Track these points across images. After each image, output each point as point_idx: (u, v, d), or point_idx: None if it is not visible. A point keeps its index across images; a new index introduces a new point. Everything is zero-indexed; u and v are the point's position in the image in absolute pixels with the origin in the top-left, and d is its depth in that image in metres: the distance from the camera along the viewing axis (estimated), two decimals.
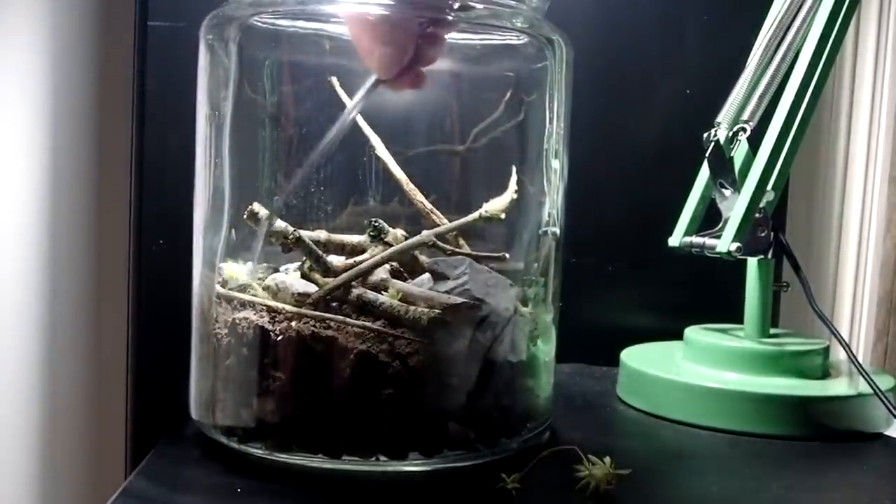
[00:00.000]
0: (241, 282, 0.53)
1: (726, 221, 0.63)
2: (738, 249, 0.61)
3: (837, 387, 0.62)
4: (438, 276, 0.54)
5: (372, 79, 0.50)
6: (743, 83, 0.65)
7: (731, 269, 0.68)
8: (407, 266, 0.56)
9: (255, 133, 0.55)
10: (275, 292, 0.51)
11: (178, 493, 0.47)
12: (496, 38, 0.55)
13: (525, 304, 0.56)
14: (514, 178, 0.56)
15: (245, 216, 0.52)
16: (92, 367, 0.79)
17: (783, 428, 0.59)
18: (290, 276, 0.53)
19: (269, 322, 0.50)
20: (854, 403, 0.60)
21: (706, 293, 0.80)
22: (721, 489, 0.49)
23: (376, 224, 0.55)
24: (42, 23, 0.75)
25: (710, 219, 0.67)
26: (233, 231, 0.55)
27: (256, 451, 0.50)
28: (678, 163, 0.70)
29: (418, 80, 0.51)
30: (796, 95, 0.62)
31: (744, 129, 0.64)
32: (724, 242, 0.62)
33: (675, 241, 0.67)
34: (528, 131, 0.57)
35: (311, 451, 0.48)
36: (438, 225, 0.56)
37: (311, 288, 0.51)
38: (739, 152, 0.66)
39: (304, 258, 0.53)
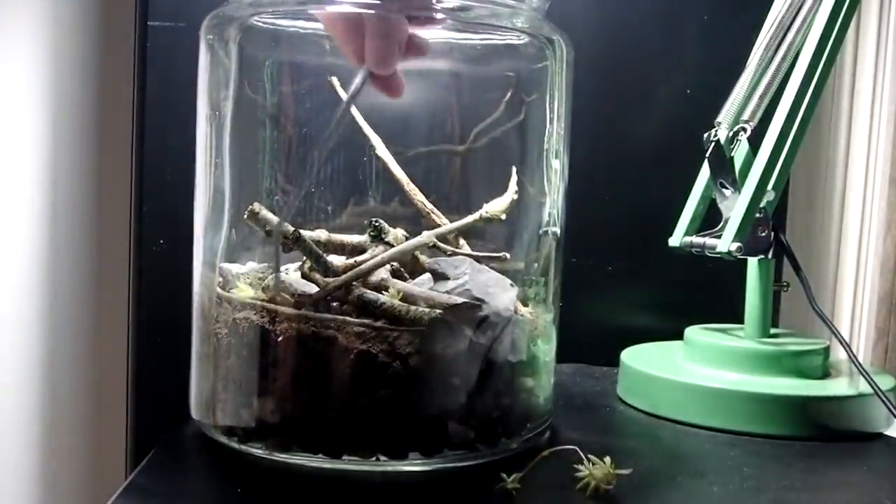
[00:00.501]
0: (250, 295, 0.53)
1: (726, 221, 0.63)
2: (739, 249, 0.61)
3: (837, 387, 0.62)
4: (439, 276, 0.54)
5: (361, 75, 0.49)
6: (743, 83, 0.65)
7: (731, 269, 0.68)
8: (407, 266, 0.56)
9: (255, 133, 0.55)
10: (275, 292, 0.51)
11: (179, 493, 0.47)
12: (496, 38, 0.55)
13: (525, 304, 0.56)
14: (514, 178, 0.56)
15: (245, 216, 0.52)
16: (92, 367, 0.79)
17: (783, 428, 0.59)
18: (291, 276, 0.53)
19: (269, 322, 0.50)
20: (854, 403, 0.60)
21: (706, 293, 0.80)
22: (721, 489, 0.49)
23: (376, 224, 0.55)
24: (42, 23, 0.75)
25: (710, 219, 0.67)
26: (233, 231, 0.55)
27: (256, 451, 0.50)
28: (678, 163, 0.70)
29: (399, 85, 0.50)
30: (796, 95, 0.62)
31: (744, 129, 0.64)
32: (725, 242, 0.62)
33: (675, 241, 0.67)
34: (528, 131, 0.57)
35: (311, 451, 0.48)
36: (439, 225, 0.57)
37: (312, 288, 0.51)
38: (739, 152, 0.66)
39: (305, 258, 0.53)
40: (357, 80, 0.49)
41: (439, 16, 0.51)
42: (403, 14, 0.49)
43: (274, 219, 0.52)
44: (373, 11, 0.48)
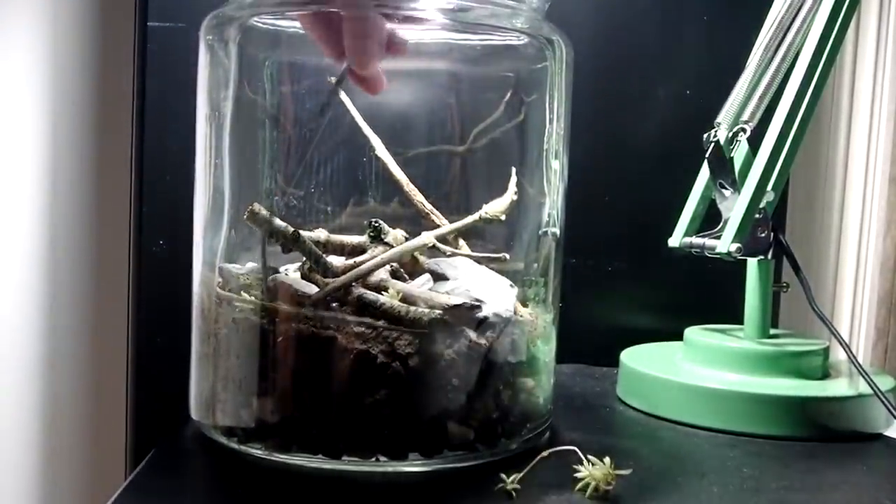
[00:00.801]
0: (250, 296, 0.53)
1: (726, 222, 0.63)
2: (738, 250, 0.61)
3: (837, 387, 0.62)
4: (438, 277, 0.54)
5: (343, 67, 0.49)
6: (743, 83, 0.65)
7: (731, 269, 0.68)
8: (407, 267, 0.56)
9: (255, 133, 0.55)
10: (275, 293, 0.51)
11: (178, 493, 0.47)
12: (496, 39, 0.55)
13: (525, 304, 0.56)
14: (513, 178, 0.56)
15: (245, 216, 0.52)
16: (92, 367, 0.79)
17: (783, 428, 0.59)
18: (291, 277, 0.53)
19: (269, 322, 0.50)
20: (854, 403, 0.60)
21: (706, 293, 0.80)
22: (721, 489, 0.49)
23: (376, 224, 0.55)
24: (42, 23, 0.75)
25: (710, 219, 0.67)
26: (233, 231, 0.55)
27: (256, 451, 0.50)
28: (678, 163, 0.70)
29: (378, 82, 0.50)
30: (796, 95, 0.62)
31: (744, 130, 0.64)
32: (724, 243, 0.62)
33: (675, 241, 0.67)
34: (528, 132, 0.57)
35: (311, 451, 0.48)
36: (438, 226, 0.57)
37: (312, 288, 0.51)
38: (739, 152, 0.66)
39: (304, 259, 0.53)
40: (340, 71, 0.49)
41: (417, 14, 0.51)
42: (380, 11, 0.48)
43: (274, 218, 0.52)
44: (354, 10, 0.48)
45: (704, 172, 0.68)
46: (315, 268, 0.52)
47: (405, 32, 0.50)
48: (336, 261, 0.54)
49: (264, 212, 0.52)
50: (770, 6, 0.68)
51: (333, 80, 0.54)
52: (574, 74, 0.57)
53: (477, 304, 0.50)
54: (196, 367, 0.55)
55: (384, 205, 0.57)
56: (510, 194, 0.56)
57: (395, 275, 0.55)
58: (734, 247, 0.61)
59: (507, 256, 0.56)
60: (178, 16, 0.71)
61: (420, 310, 0.49)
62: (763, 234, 0.64)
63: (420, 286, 0.54)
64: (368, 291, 0.51)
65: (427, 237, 0.55)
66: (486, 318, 0.50)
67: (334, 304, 0.51)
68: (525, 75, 0.56)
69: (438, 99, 0.57)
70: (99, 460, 0.79)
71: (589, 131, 0.78)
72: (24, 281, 0.76)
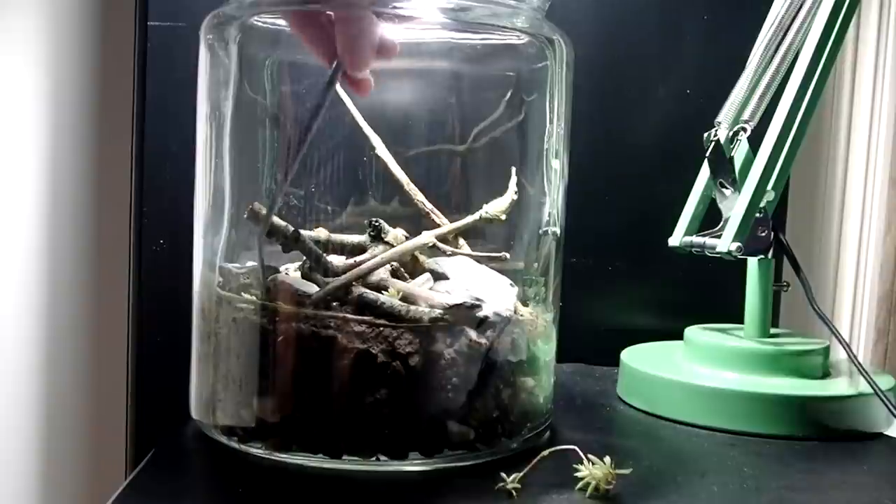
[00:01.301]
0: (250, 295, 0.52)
1: (726, 221, 0.63)
2: (739, 249, 0.61)
3: (837, 387, 0.62)
4: (438, 276, 0.54)
5: (336, 66, 0.48)
6: (743, 83, 0.65)
7: (731, 269, 0.68)
8: (407, 266, 0.56)
9: (255, 133, 0.55)
10: (275, 292, 0.51)
11: (178, 493, 0.47)
12: (496, 38, 0.55)
13: (525, 304, 0.56)
14: (513, 178, 0.56)
15: (246, 216, 0.52)
16: (92, 367, 0.79)
17: (783, 428, 0.59)
18: (291, 276, 0.53)
19: (269, 322, 0.50)
20: (854, 403, 0.60)
21: (706, 293, 0.80)
22: (721, 489, 0.49)
23: (376, 224, 0.55)
24: (42, 23, 0.75)
25: (710, 219, 0.67)
26: (233, 231, 0.55)
27: (257, 450, 0.50)
28: (678, 163, 0.70)
29: (368, 84, 0.49)
30: (796, 95, 0.62)
31: (744, 129, 0.64)
32: (725, 242, 0.62)
33: (675, 240, 0.67)
34: (528, 131, 0.57)
35: (311, 451, 0.48)
36: (439, 225, 0.57)
37: (312, 288, 0.51)
38: (739, 152, 0.66)
39: (305, 258, 0.53)
40: (332, 71, 0.48)
41: (416, 13, 0.51)
42: (377, 10, 0.47)
43: (274, 218, 0.52)
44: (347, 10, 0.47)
45: (705, 172, 0.68)
46: (315, 267, 0.52)
47: (401, 33, 0.50)
48: (336, 260, 0.54)
49: (265, 211, 0.52)
50: (770, 6, 0.68)
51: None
52: (574, 74, 0.57)
53: (477, 303, 0.50)
54: (196, 367, 0.55)
55: (384, 204, 0.57)
56: (510, 194, 0.56)
57: (395, 274, 0.55)
58: (734, 246, 0.61)
59: (508, 256, 0.56)
60: (178, 15, 0.71)
61: (420, 309, 0.49)
62: (763, 234, 0.64)
63: (420, 285, 0.54)
64: (369, 291, 0.51)
65: (427, 237, 0.55)
66: (486, 317, 0.50)
67: (334, 304, 0.51)
68: (525, 75, 0.56)
69: (439, 98, 0.57)
70: (99, 460, 0.79)
71: (589, 131, 0.78)
72: (24, 281, 0.76)
